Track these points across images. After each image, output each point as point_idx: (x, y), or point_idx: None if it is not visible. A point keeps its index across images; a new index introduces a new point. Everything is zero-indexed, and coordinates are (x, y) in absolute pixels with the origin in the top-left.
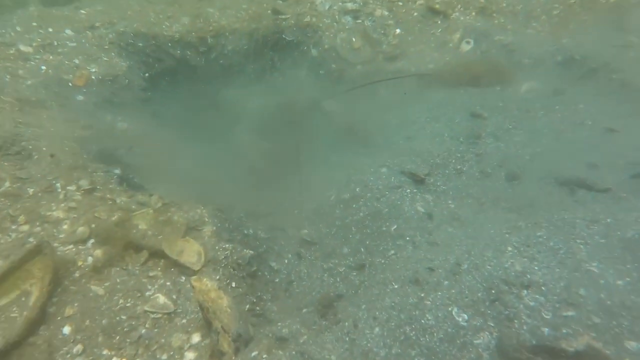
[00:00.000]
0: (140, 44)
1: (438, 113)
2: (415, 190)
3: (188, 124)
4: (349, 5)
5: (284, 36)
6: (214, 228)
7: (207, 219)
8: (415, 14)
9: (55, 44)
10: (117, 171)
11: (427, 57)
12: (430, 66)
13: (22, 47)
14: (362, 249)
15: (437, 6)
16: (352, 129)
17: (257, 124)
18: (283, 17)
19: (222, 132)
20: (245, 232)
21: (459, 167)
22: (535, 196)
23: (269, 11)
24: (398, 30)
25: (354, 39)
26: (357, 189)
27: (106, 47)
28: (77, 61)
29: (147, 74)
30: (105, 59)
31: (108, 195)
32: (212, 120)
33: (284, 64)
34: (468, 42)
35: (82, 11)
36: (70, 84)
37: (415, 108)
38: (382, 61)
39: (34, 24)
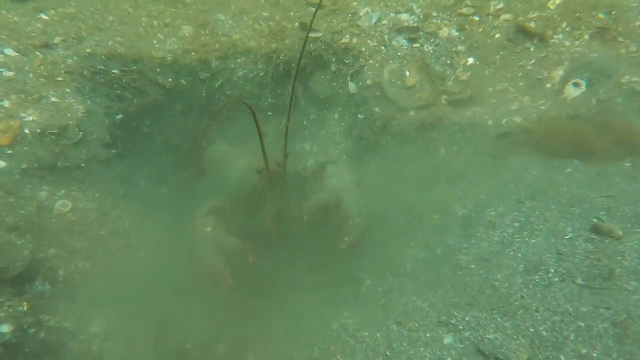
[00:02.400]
0: (115, 72)
1: (533, 212)
2: None
3: (169, 193)
4: (404, 19)
5: (314, 60)
6: None
7: None
8: (497, 35)
9: None
10: (6, 328)
11: (512, 102)
12: (516, 118)
13: None
14: None
15: (531, 25)
16: (395, 213)
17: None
18: (314, 35)
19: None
20: None
21: (584, 350)
22: None
23: (297, 24)
24: (471, 60)
25: (407, 72)
26: None
27: (59, 78)
28: (6, 103)
29: (119, 116)
30: (53, 98)
31: None
32: (206, 186)
33: (310, 101)
34: (577, 85)
35: (43, 15)
36: None
37: (495, 191)
38: (445, 105)
39: None
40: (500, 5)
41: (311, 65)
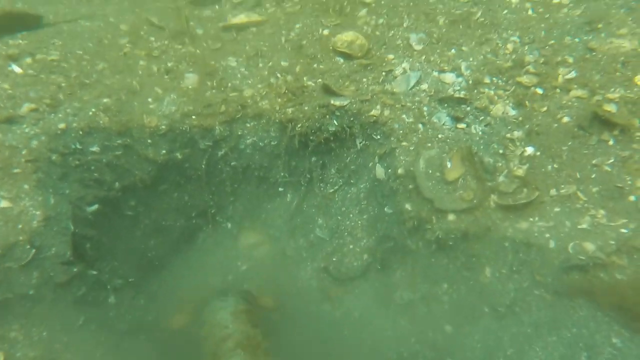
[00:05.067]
0: (94, 150)
1: None
2: None
3: (152, 307)
4: (449, 82)
5: (336, 135)
6: None
7: None
8: (566, 119)
9: None
10: None
11: (582, 216)
12: (588, 244)
13: None
14: None
15: (611, 109)
16: (421, 353)
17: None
18: (338, 102)
19: None
20: None
21: None
22: None
23: (320, 80)
24: (530, 150)
25: (449, 163)
26: None
27: (17, 170)
28: None
29: (93, 207)
30: (3, 202)
31: None
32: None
33: (328, 181)
34: None
35: (16, 67)
36: None
37: (559, 356)
38: (494, 211)
39: None
40: (572, 75)
41: (331, 140)
